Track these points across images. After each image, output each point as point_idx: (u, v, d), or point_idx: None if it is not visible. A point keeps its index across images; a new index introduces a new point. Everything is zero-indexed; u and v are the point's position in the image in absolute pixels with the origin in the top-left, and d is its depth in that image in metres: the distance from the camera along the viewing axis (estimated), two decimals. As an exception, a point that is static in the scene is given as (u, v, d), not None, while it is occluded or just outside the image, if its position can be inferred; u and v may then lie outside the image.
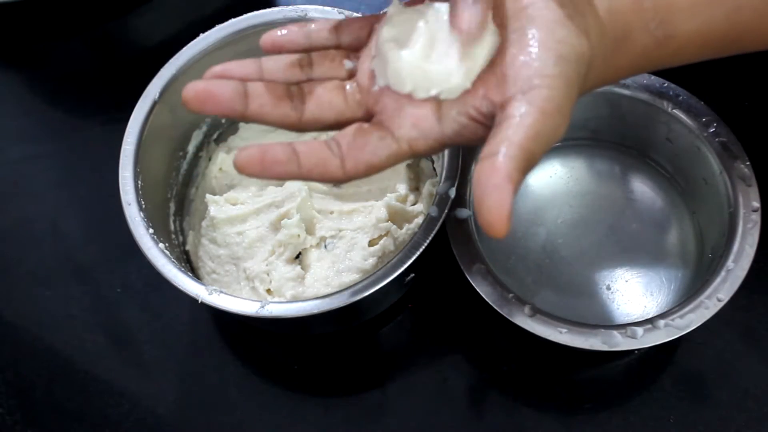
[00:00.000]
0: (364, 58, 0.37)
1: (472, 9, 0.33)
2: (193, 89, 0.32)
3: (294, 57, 0.36)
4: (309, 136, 0.50)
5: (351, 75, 0.37)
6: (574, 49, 0.32)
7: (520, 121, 0.30)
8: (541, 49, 0.32)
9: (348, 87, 0.36)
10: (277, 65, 0.36)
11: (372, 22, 0.38)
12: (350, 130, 0.34)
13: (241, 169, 0.32)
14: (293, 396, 0.51)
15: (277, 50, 0.37)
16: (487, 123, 0.33)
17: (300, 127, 0.35)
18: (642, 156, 0.54)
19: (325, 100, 0.35)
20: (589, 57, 0.33)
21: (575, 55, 0.32)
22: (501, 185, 0.29)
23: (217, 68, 0.35)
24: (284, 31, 0.37)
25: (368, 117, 0.35)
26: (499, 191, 0.29)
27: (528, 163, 0.30)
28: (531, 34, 0.32)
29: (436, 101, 0.34)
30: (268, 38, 0.37)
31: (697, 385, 0.49)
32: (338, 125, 0.35)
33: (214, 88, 0.33)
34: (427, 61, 0.34)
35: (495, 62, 0.33)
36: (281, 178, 0.33)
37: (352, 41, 0.38)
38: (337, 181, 0.34)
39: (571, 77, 0.32)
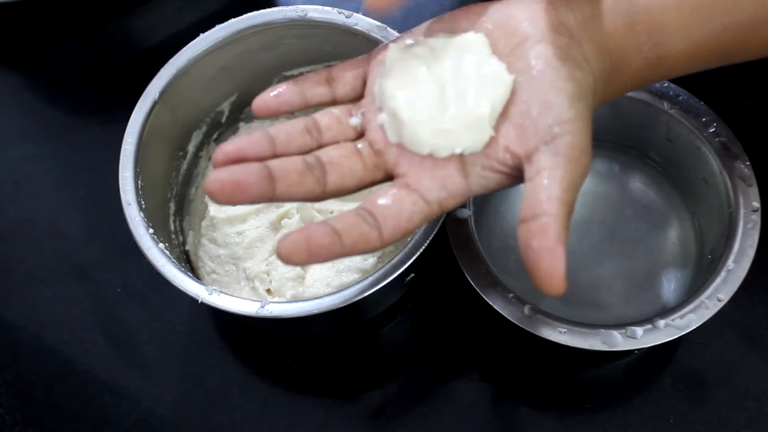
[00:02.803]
0: (368, 111, 0.36)
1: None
2: (218, 182, 0.31)
3: (300, 124, 0.36)
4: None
5: (359, 132, 0.36)
6: (581, 84, 0.32)
7: (552, 174, 0.31)
8: (553, 93, 0.32)
9: (361, 147, 0.35)
10: (288, 136, 0.35)
11: (363, 67, 0.37)
12: (384, 199, 0.33)
13: (287, 258, 0.31)
14: (293, 396, 0.51)
15: (273, 114, 0.37)
16: (513, 173, 0.33)
17: (323, 198, 0.35)
18: (642, 156, 0.54)
19: (345, 169, 0.35)
20: (594, 86, 0.33)
21: (583, 90, 0.32)
22: (554, 249, 0.30)
23: (229, 147, 0.33)
24: (276, 93, 0.36)
25: (388, 177, 0.35)
26: (552, 255, 0.30)
27: (569, 214, 0.31)
28: (538, 75, 0.32)
29: (460, 158, 0.34)
30: (261, 103, 0.36)
31: (697, 385, 0.49)
32: (359, 189, 0.35)
33: (240, 177, 0.32)
34: (443, 119, 0.33)
35: (509, 109, 0.33)
36: (327, 260, 0.32)
37: (348, 92, 0.37)
38: (375, 251, 0.34)
39: (586, 114, 0.32)
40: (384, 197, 0.34)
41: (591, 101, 0.33)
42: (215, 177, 0.31)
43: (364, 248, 0.33)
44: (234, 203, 0.32)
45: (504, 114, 0.33)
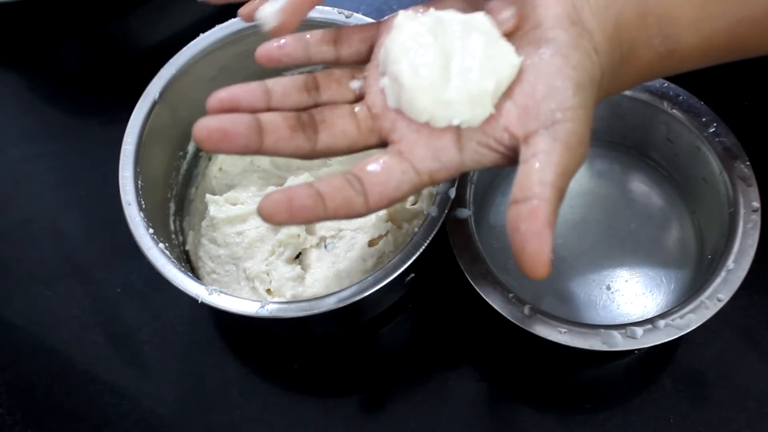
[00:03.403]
0: (370, 76, 0.36)
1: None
2: (205, 128, 0.31)
3: (300, 80, 0.35)
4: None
5: (359, 95, 0.36)
6: (589, 73, 0.32)
7: (548, 159, 0.31)
8: (560, 79, 0.32)
9: (358, 110, 0.35)
10: (284, 90, 0.35)
11: (372, 32, 0.37)
12: (371, 166, 0.33)
13: (268, 217, 0.31)
14: (293, 396, 0.51)
15: (274, 64, 0.36)
16: (508, 153, 0.33)
17: (313, 156, 0.34)
18: (642, 156, 0.54)
19: (338, 129, 0.34)
20: (600, 77, 0.33)
21: (590, 80, 0.32)
22: (541, 232, 0.30)
23: (223, 94, 0.33)
24: (281, 43, 0.36)
25: (382, 143, 0.35)
26: (539, 238, 0.30)
27: (560, 200, 0.31)
28: (547, 60, 0.32)
29: (457, 130, 0.33)
30: (264, 51, 0.36)
31: (697, 385, 0.49)
32: (351, 152, 0.35)
33: (228, 125, 0.32)
34: (445, 88, 0.33)
35: (513, 89, 0.33)
36: (308, 222, 0.32)
37: (352, 54, 0.37)
38: (360, 216, 0.33)
39: (589, 104, 0.32)
40: (373, 164, 0.33)
41: (596, 92, 0.33)
42: (203, 123, 0.31)
43: (347, 213, 0.32)
44: (220, 151, 0.32)
45: (507, 93, 0.33)
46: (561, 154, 0.31)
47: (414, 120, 0.34)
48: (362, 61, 0.37)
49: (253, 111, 0.33)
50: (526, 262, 0.30)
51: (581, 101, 0.32)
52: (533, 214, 0.30)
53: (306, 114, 0.34)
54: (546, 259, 0.30)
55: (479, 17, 0.34)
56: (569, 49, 0.32)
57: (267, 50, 0.36)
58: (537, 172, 0.31)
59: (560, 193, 0.31)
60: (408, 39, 0.34)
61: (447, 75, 0.33)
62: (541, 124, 0.31)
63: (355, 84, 0.36)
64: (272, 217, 0.31)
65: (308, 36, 0.37)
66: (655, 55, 0.35)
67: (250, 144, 0.32)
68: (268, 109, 0.34)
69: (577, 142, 0.31)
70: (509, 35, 0.34)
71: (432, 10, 0.35)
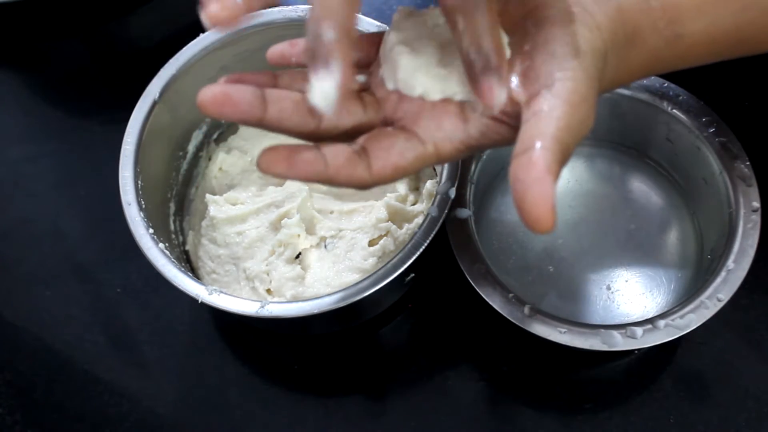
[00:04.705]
0: (374, 71, 0.36)
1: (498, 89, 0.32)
2: (210, 92, 0.31)
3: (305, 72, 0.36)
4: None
5: (363, 89, 0.36)
6: (589, 42, 0.32)
7: (549, 114, 0.30)
8: (558, 45, 0.32)
9: (363, 95, 0.35)
10: (291, 76, 0.35)
11: (380, 38, 0.37)
12: (374, 133, 0.33)
13: (266, 167, 0.30)
14: (293, 396, 0.51)
15: (285, 63, 0.37)
16: (512, 123, 0.33)
17: (318, 135, 0.34)
18: (642, 156, 0.54)
19: (343, 106, 0.34)
20: (604, 51, 0.33)
21: (591, 49, 0.32)
22: (542, 177, 0.28)
23: (232, 76, 0.33)
24: (293, 41, 0.37)
25: (387, 124, 0.35)
26: (540, 184, 0.28)
27: (564, 155, 0.30)
28: (545, 31, 0.32)
29: (459, 104, 0.33)
30: (276, 51, 0.37)
31: (697, 385, 0.49)
32: (356, 133, 0.35)
33: (232, 91, 0.31)
34: (437, 65, 0.33)
35: (513, 61, 0.33)
36: (308, 178, 0.31)
37: (362, 58, 0.37)
38: (363, 185, 0.33)
39: (591, 69, 0.32)
40: (376, 131, 0.33)
41: (600, 64, 0.33)
42: (209, 88, 0.31)
43: (350, 176, 0.32)
44: (222, 117, 0.31)
45: (507, 63, 0.33)
46: (563, 110, 0.30)
47: (409, 95, 0.34)
48: (371, 63, 0.37)
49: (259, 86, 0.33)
50: (528, 212, 0.28)
51: (581, 63, 0.31)
52: (533, 162, 0.29)
53: None
54: (549, 207, 0.28)
55: None
56: (568, 21, 0.32)
57: (280, 49, 0.37)
58: (538, 126, 0.30)
59: (564, 148, 0.30)
60: (406, 28, 0.35)
61: (443, 58, 0.34)
62: (542, 85, 0.31)
63: (361, 78, 0.36)
64: (270, 166, 0.31)
65: None
66: (661, 40, 0.35)
67: (253, 111, 0.32)
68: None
69: (580, 99, 0.31)
70: (509, 22, 0.34)
71: (432, 6, 0.36)
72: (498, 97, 0.32)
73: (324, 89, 0.29)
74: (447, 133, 0.33)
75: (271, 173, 0.31)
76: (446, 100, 0.34)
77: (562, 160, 0.30)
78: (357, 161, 0.32)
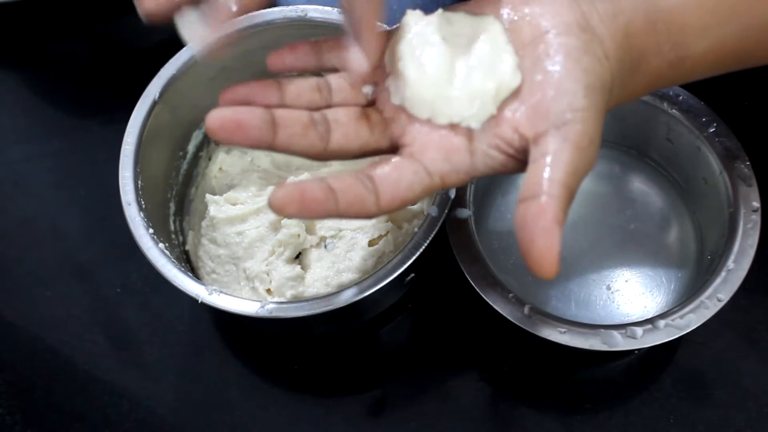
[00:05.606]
0: (380, 81, 0.36)
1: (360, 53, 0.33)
2: (219, 118, 0.31)
3: (313, 81, 0.35)
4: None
5: (371, 100, 0.36)
6: (599, 77, 0.32)
7: (558, 158, 0.30)
8: (570, 81, 0.32)
9: (371, 114, 0.35)
10: (297, 89, 0.35)
11: (383, 41, 0.37)
12: (382, 163, 0.33)
13: (279, 209, 0.31)
14: (293, 396, 0.51)
15: (287, 69, 0.36)
16: (518, 156, 0.33)
17: (324, 157, 0.34)
18: (642, 156, 0.54)
19: (351, 130, 0.34)
20: (611, 83, 0.33)
21: (600, 84, 0.32)
22: (550, 228, 0.29)
23: (241, 90, 0.33)
24: (293, 49, 0.36)
25: (393, 147, 0.35)
26: (548, 235, 0.29)
27: (570, 200, 0.30)
28: (557, 63, 0.32)
29: (468, 133, 0.33)
30: (277, 58, 0.36)
31: (697, 385, 0.49)
32: (362, 154, 0.35)
33: (242, 117, 0.31)
34: (448, 85, 0.33)
35: (522, 92, 0.33)
36: (319, 217, 0.31)
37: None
38: (371, 217, 0.33)
39: (600, 107, 0.32)
40: (385, 164, 0.33)
41: (606, 97, 0.33)
42: (218, 113, 0.31)
43: (359, 211, 0.32)
44: (232, 143, 0.32)
45: (516, 94, 0.33)
46: (571, 154, 0.31)
47: (416, 116, 0.34)
48: (374, 68, 0.37)
49: (267, 107, 0.33)
50: (535, 260, 0.29)
51: (591, 103, 0.32)
52: (542, 211, 0.29)
53: (319, 113, 0.34)
54: (554, 257, 0.29)
55: (489, 20, 0.34)
56: (579, 53, 0.32)
57: (281, 54, 0.36)
58: (546, 171, 0.30)
59: (570, 193, 0.31)
60: (414, 37, 0.34)
61: (451, 73, 0.33)
62: (551, 125, 0.31)
63: (368, 89, 0.36)
64: (283, 208, 0.31)
65: (320, 43, 0.37)
66: (665, 63, 0.35)
67: (263, 137, 0.32)
68: (282, 107, 0.34)
69: (588, 143, 0.31)
70: (519, 43, 0.34)
71: (440, 10, 0.35)
72: (359, 66, 0.34)
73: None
74: (454, 166, 0.33)
75: (284, 215, 0.31)
76: (454, 126, 0.33)
77: (568, 205, 0.30)
78: (366, 196, 0.32)
